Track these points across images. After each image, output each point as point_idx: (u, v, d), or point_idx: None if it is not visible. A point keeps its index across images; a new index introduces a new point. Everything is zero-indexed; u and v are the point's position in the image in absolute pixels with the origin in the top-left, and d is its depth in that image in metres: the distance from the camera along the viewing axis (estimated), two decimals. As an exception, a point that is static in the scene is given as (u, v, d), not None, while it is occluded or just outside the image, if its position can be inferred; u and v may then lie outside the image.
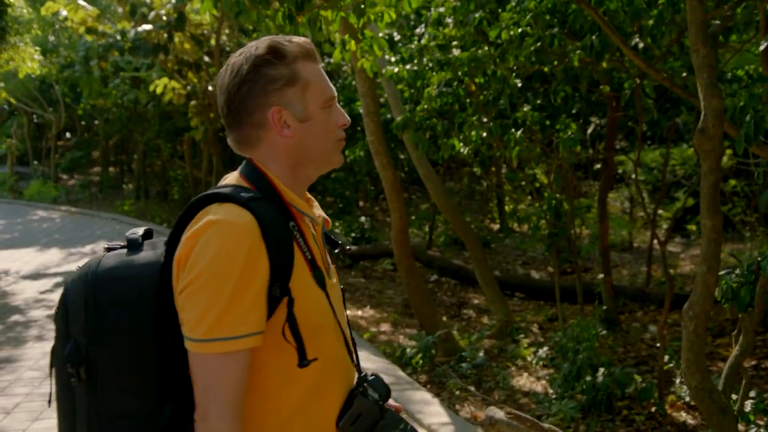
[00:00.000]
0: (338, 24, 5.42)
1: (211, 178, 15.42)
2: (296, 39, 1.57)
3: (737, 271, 3.72)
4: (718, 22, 3.60)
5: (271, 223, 1.44)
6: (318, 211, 1.64)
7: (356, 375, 1.65)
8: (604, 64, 5.61)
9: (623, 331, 7.49)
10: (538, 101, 7.29)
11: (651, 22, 5.12)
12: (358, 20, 4.55)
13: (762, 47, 3.12)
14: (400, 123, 7.09)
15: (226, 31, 13.52)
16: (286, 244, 1.45)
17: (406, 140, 7.68)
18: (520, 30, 5.49)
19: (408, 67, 6.83)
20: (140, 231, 1.58)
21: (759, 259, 3.56)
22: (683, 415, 5.28)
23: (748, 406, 3.35)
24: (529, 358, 6.71)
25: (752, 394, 3.53)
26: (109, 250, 1.55)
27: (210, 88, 13.59)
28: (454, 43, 6.35)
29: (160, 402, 1.45)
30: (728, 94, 6.15)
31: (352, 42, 4.96)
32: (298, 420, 1.52)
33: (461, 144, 6.66)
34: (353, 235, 13.09)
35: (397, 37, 9.83)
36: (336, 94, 1.62)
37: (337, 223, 13.59)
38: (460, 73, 6.00)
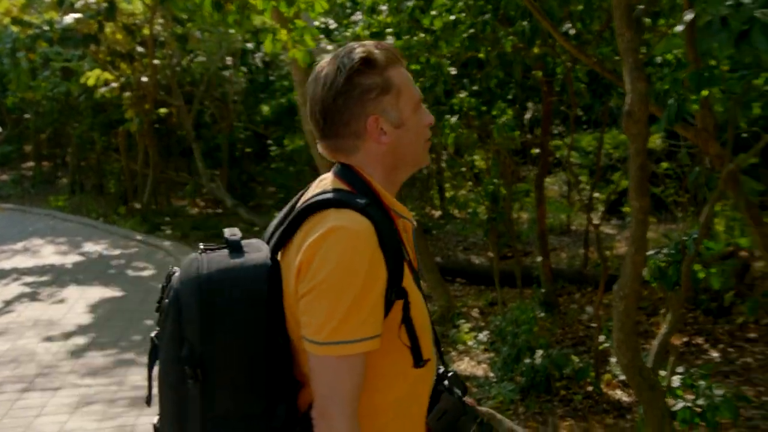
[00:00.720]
0: (269, 13, 5.35)
1: (148, 171, 15.09)
2: (384, 44, 1.61)
3: (665, 251, 3.81)
4: (642, 6, 3.66)
5: (386, 228, 1.48)
6: (408, 213, 1.68)
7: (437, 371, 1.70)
8: (536, 50, 5.68)
9: (561, 313, 7.62)
10: (474, 87, 7.33)
11: (581, 7, 5.20)
12: (288, 9, 4.50)
13: (679, 28, 3.19)
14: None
15: (160, 20, 13.23)
16: (398, 249, 1.50)
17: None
18: (453, 17, 5.51)
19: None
20: (239, 233, 1.59)
21: (684, 238, 3.66)
22: (618, 393, 5.41)
23: (676, 381, 3.44)
24: (470, 343, 6.77)
25: (680, 369, 3.62)
26: (205, 250, 1.56)
27: (145, 79, 13.30)
28: (389, 30, 6.34)
29: (269, 403, 1.49)
30: (659, 78, 6.28)
31: (283, 32, 4.90)
32: (401, 417, 1.58)
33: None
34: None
35: (333, 25, 9.77)
36: (421, 95, 1.67)
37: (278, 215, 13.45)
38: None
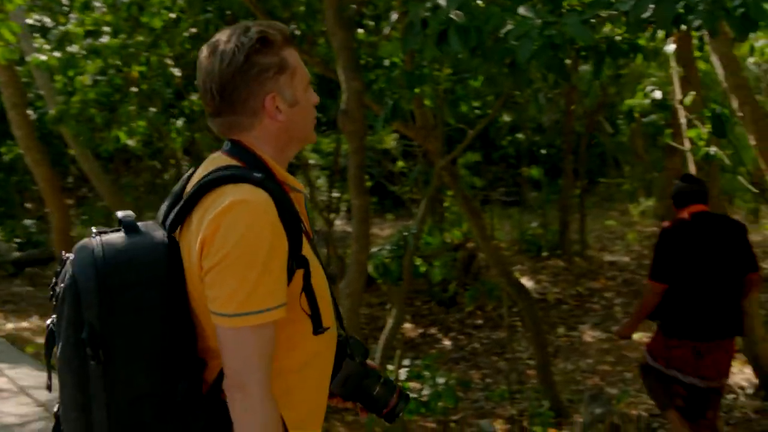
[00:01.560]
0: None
1: None
2: (277, 25, 1.64)
3: (387, 247, 3.91)
4: (354, 6, 3.72)
5: (282, 200, 1.52)
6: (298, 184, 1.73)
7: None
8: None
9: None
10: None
11: (303, 8, 5.20)
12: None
13: (386, 30, 3.26)
14: (54, 116, 6.47)
15: None
16: (295, 219, 1.53)
17: (65, 134, 7.06)
18: (173, 15, 5.27)
19: (57, 54, 6.24)
20: (133, 214, 1.57)
21: (405, 233, 3.77)
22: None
23: (403, 374, 3.52)
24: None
25: (407, 362, 3.72)
26: (99, 233, 1.53)
27: None
28: (106, 29, 5.92)
29: (172, 381, 1.49)
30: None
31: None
32: (304, 382, 1.61)
33: (127, 136, 6.28)
34: (18, 240, 11.89)
35: (51, 24, 9.00)
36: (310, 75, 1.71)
37: (-2, 230, 12.24)
38: (110, 60, 5.60)
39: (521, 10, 2.86)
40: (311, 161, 9.84)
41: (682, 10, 2.78)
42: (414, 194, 11.94)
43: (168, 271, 1.51)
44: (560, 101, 11.39)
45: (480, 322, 7.01)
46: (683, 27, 2.83)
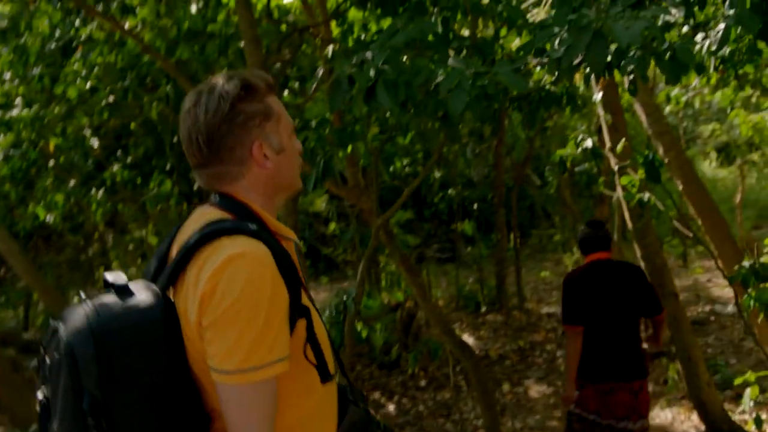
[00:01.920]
0: None
1: None
2: (259, 73, 1.64)
3: (326, 313, 3.73)
4: (278, 65, 3.61)
5: (279, 251, 1.49)
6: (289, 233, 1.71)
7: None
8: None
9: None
10: (128, 159, 6.87)
11: (225, 70, 5.07)
12: None
13: (312, 88, 3.15)
14: (-38, 194, 6.13)
15: None
16: (292, 269, 1.51)
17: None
18: (89, 84, 5.07)
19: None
20: (123, 276, 1.54)
21: (345, 298, 3.60)
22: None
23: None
24: None
25: None
26: (88, 298, 1.49)
27: None
28: (17, 102, 5.67)
29: None
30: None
31: None
32: None
33: (45, 211, 5.98)
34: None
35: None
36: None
37: None
38: (24, 134, 5.34)
39: (451, 62, 2.79)
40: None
41: (612, 57, 2.76)
42: (347, 256, 11.81)
43: (165, 333, 1.47)
44: (488, 155, 11.51)
45: (423, 383, 6.82)
46: (615, 72, 2.80)
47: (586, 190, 12.71)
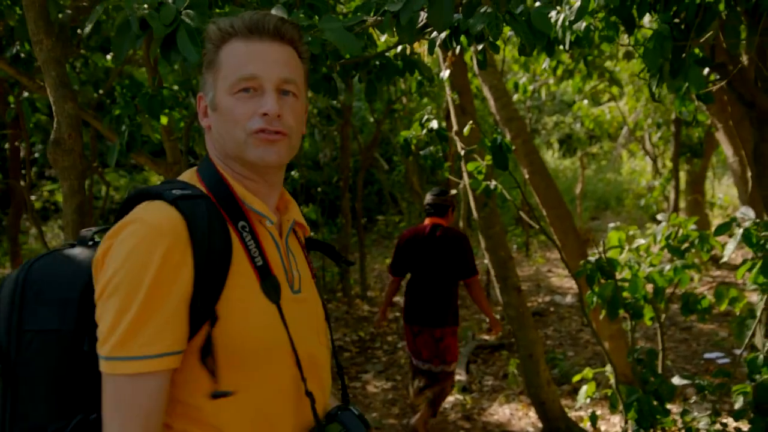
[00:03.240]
0: None
1: None
2: (230, 19, 1.36)
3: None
4: (69, 11, 2.97)
5: (202, 224, 1.26)
6: (290, 214, 1.48)
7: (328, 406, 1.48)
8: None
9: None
10: None
11: (12, 22, 4.30)
12: None
13: (86, 36, 2.56)
14: None
15: None
16: (220, 251, 1.27)
17: None
18: None
19: None
20: (91, 230, 1.45)
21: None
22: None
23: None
24: None
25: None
26: (61, 248, 1.41)
27: None
28: None
29: (68, 415, 1.30)
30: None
31: None
32: None
33: None
34: None
35: None
36: (258, 74, 1.33)
37: None
38: None
39: (274, 12, 2.30)
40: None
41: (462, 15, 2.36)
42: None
43: (82, 293, 1.31)
44: (337, 138, 11.10)
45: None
46: (462, 38, 2.42)
47: (432, 176, 12.60)
